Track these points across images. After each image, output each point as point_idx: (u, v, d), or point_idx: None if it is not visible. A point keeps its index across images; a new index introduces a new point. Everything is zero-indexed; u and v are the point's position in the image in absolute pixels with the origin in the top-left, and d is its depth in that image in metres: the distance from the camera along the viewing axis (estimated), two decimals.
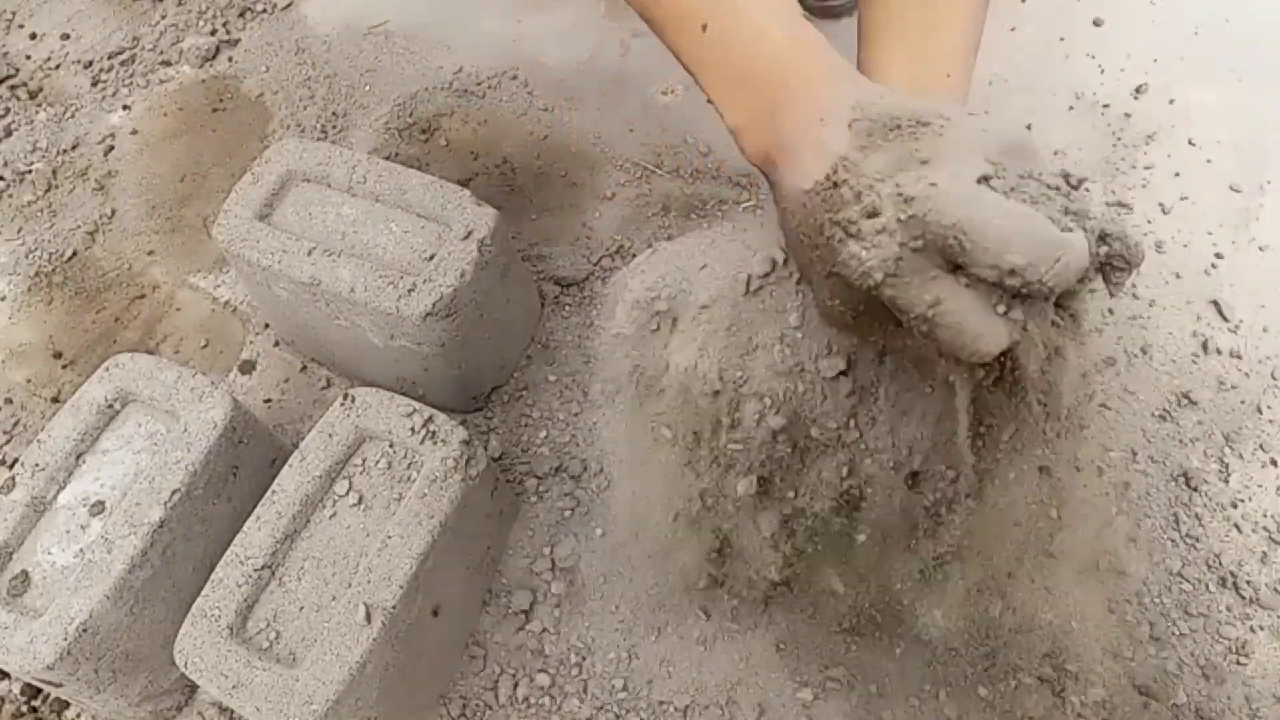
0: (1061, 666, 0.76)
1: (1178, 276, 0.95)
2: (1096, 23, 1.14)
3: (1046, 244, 0.41)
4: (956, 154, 0.44)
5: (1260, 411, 0.88)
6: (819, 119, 0.49)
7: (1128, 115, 1.07)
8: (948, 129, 0.45)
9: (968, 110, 0.56)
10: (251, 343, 0.98)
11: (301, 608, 0.68)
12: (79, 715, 0.79)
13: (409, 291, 0.78)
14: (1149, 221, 0.99)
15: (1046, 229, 0.41)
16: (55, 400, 0.96)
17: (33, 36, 1.25)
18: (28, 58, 1.23)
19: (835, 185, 0.46)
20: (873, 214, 0.43)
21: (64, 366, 0.98)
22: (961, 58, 0.59)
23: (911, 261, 0.42)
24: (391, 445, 0.74)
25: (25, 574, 0.70)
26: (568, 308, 0.97)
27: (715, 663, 0.78)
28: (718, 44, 0.54)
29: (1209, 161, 1.03)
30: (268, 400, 0.94)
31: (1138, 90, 1.08)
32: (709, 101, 0.55)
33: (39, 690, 0.80)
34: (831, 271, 0.46)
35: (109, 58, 1.21)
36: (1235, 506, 0.83)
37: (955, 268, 0.43)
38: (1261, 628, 0.78)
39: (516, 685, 0.77)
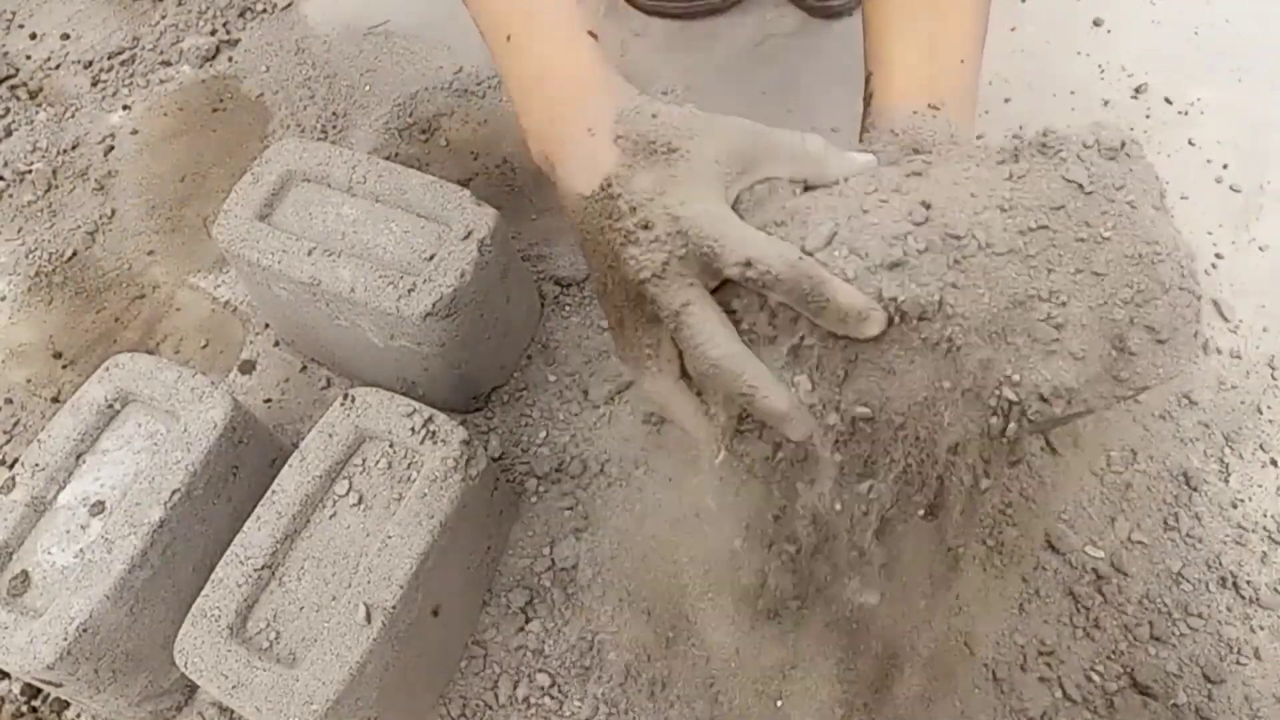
0: None
1: None
2: (1096, 23, 1.14)
3: (780, 253, 0.48)
4: (703, 180, 0.51)
5: (1260, 411, 0.88)
6: (588, 129, 0.54)
7: (1128, 115, 1.07)
8: (692, 154, 0.51)
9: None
10: (251, 343, 0.98)
11: (301, 608, 0.68)
12: (79, 715, 0.79)
13: (409, 291, 0.78)
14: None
15: (779, 245, 0.49)
16: (55, 400, 0.96)
17: (33, 36, 1.25)
18: (28, 58, 1.23)
19: (610, 197, 0.52)
20: (647, 226, 0.50)
21: (64, 366, 0.99)
22: (972, 44, 0.60)
23: (676, 266, 0.50)
24: (391, 445, 0.74)
25: (25, 574, 0.70)
26: (568, 308, 0.97)
27: (716, 662, 0.78)
28: (516, 53, 0.59)
29: (1209, 161, 1.03)
30: (268, 400, 0.94)
31: (1137, 90, 1.08)
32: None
33: (39, 690, 0.80)
34: (611, 265, 0.53)
35: (109, 58, 1.21)
36: (1235, 507, 0.83)
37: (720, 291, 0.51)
38: (1261, 628, 0.78)
39: (516, 685, 0.78)
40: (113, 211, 1.08)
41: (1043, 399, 0.48)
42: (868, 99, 0.62)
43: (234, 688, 0.64)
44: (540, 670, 0.78)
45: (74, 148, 1.14)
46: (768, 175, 0.52)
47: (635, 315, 0.53)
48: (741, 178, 0.52)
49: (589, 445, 0.88)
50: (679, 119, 0.52)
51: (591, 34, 0.58)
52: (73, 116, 1.16)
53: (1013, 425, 0.48)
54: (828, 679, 0.76)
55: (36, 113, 1.17)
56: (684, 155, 0.51)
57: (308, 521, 0.71)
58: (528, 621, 0.80)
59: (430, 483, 0.71)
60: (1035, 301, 0.48)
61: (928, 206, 0.49)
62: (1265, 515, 0.82)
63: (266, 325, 0.98)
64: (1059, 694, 0.76)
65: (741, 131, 0.52)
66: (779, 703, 0.76)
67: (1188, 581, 0.80)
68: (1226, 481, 0.84)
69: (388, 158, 1.01)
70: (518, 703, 0.77)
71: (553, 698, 0.77)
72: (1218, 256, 0.96)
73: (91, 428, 0.75)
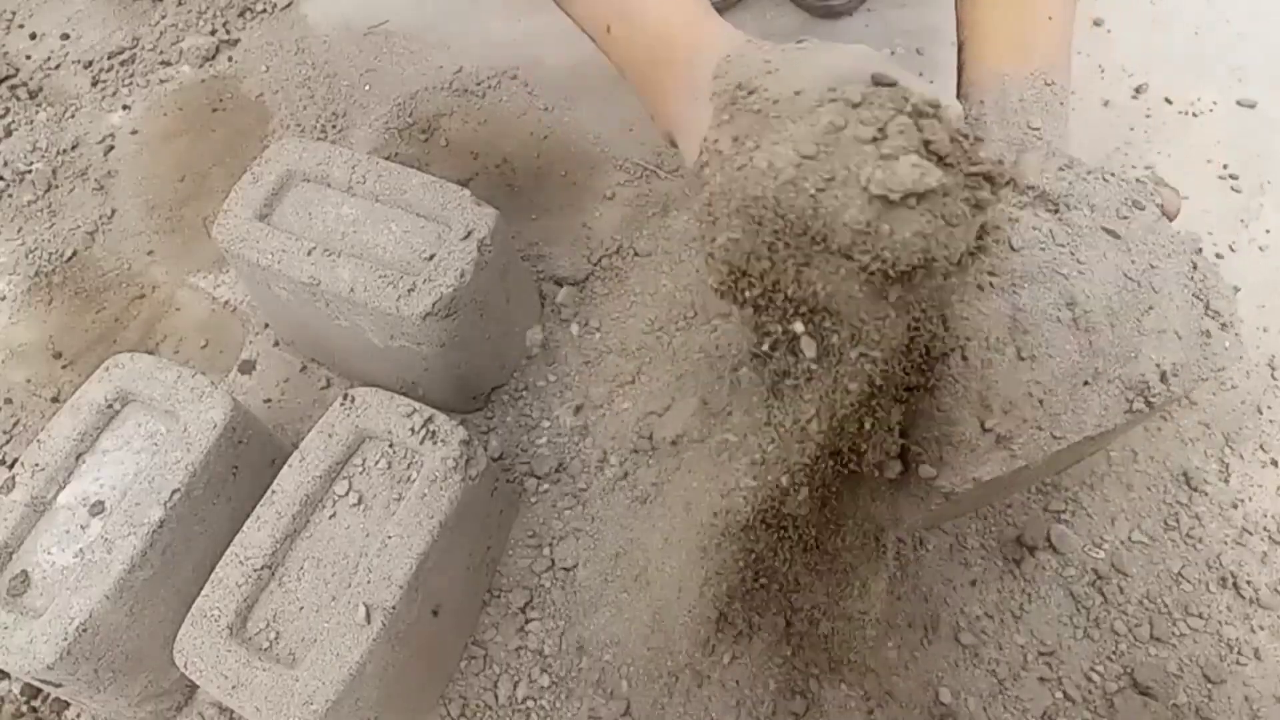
0: None
1: None
2: (1097, 23, 1.14)
3: (840, 208, 0.43)
4: (779, 130, 0.45)
5: (1260, 411, 0.87)
6: (693, 96, 0.51)
7: (1128, 115, 1.07)
8: (770, 90, 0.46)
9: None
10: (251, 343, 0.98)
11: (301, 608, 0.68)
12: (79, 715, 0.79)
13: (409, 291, 0.78)
14: None
15: (840, 201, 0.43)
16: (55, 400, 0.96)
17: (33, 36, 1.25)
18: (28, 58, 1.23)
19: (704, 164, 0.49)
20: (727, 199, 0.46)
21: (64, 366, 0.98)
22: (1059, 2, 0.60)
23: (767, 239, 0.46)
24: (391, 445, 0.74)
25: (25, 574, 0.70)
26: (569, 308, 0.97)
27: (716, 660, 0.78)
28: (620, 42, 0.57)
29: (1209, 162, 1.03)
30: (267, 400, 0.94)
31: (1138, 90, 1.08)
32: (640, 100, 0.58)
33: (39, 690, 0.80)
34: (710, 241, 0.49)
35: (109, 58, 1.21)
36: (1235, 507, 0.83)
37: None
38: (1262, 628, 0.78)
39: (516, 685, 0.77)
40: (112, 211, 1.08)
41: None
42: (960, 68, 0.62)
43: (234, 688, 0.64)
44: (540, 670, 0.78)
45: (74, 148, 1.14)
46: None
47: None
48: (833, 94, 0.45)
49: (589, 445, 0.88)
50: (773, 56, 0.48)
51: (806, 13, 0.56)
52: (72, 116, 1.16)
53: None
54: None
55: (36, 113, 1.17)
56: (762, 93, 0.47)
57: (307, 522, 0.71)
58: (528, 622, 0.80)
59: (430, 483, 0.70)
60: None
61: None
62: (1265, 515, 0.82)
63: (266, 325, 0.98)
64: (1059, 694, 0.76)
65: (848, 60, 0.46)
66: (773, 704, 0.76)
67: (1188, 581, 0.80)
68: (1227, 482, 0.84)
69: (387, 157, 1.01)
70: (517, 703, 0.77)
71: (552, 698, 0.77)
72: (1218, 256, 0.96)
73: (91, 428, 0.75)
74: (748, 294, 0.49)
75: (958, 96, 0.61)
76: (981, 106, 0.58)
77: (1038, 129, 0.59)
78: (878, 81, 0.45)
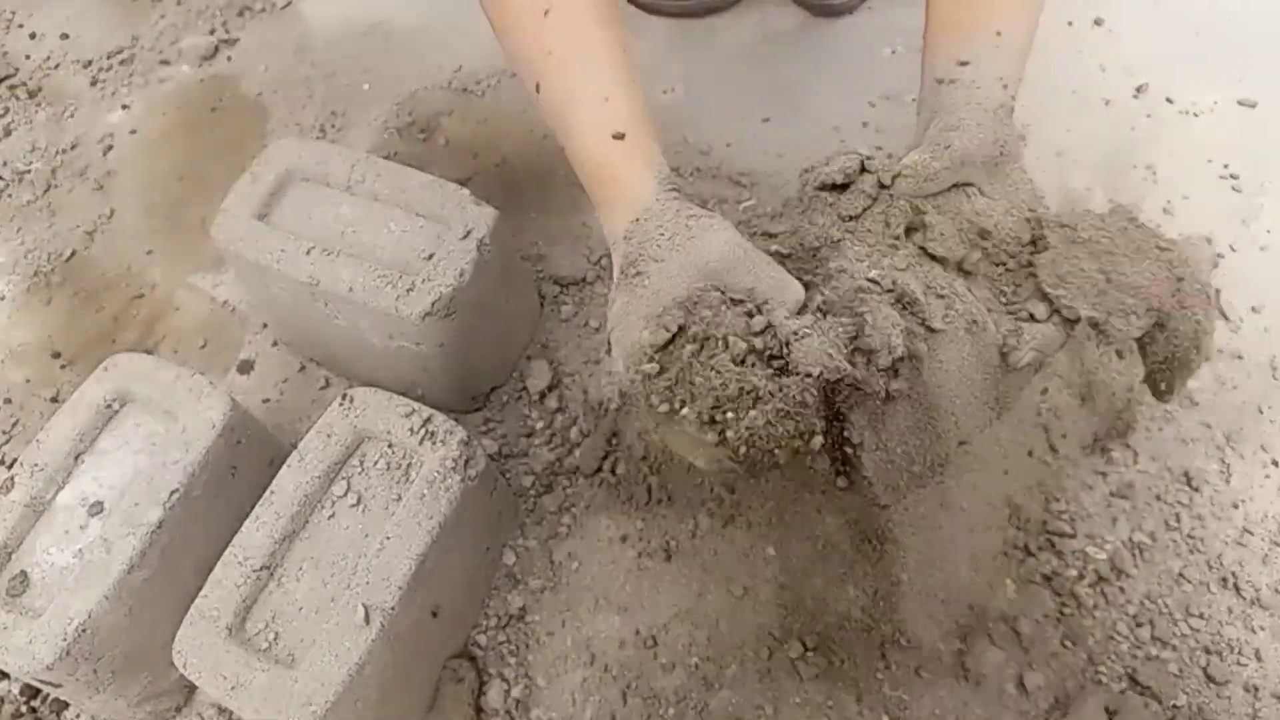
0: None
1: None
2: (1098, 22, 1.14)
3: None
4: (650, 301, 0.54)
5: (1261, 411, 0.87)
6: (613, 242, 0.59)
7: (1129, 115, 1.06)
8: (652, 277, 0.55)
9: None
10: (250, 342, 0.98)
11: (300, 608, 0.68)
12: (78, 715, 0.79)
13: (408, 291, 0.78)
14: (1150, 221, 0.99)
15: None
16: (54, 400, 0.96)
17: (32, 36, 1.25)
18: (27, 57, 1.23)
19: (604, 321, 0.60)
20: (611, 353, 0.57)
21: (63, 366, 0.98)
22: (1011, 16, 0.61)
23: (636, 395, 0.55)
24: (390, 445, 0.74)
25: (24, 574, 0.70)
26: (567, 308, 0.97)
27: (720, 656, 0.77)
28: (570, 158, 0.62)
29: (1210, 161, 1.03)
30: (266, 400, 0.94)
31: (1139, 90, 1.08)
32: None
33: (38, 690, 0.80)
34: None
35: (108, 57, 1.21)
36: (1236, 507, 0.83)
37: None
38: (1262, 628, 0.78)
39: (514, 686, 0.77)
40: (111, 211, 1.08)
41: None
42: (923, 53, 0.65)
43: (233, 688, 0.64)
44: (540, 671, 0.78)
45: (73, 147, 1.14)
46: (728, 289, 0.55)
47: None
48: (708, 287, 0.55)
49: (588, 444, 0.88)
50: (667, 233, 0.55)
51: (618, 136, 0.59)
52: (72, 116, 1.16)
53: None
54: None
55: (36, 112, 1.17)
56: (645, 279, 0.54)
57: (306, 522, 0.71)
58: (526, 622, 0.80)
59: (429, 483, 0.70)
60: None
61: None
62: (1266, 516, 0.82)
63: (265, 325, 0.98)
64: (1060, 694, 0.76)
65: (716, 253, 0.55)
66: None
67: (1189, 582, 0.80)
68: (1228, 482, 0.84)
69: (387, 157, 1.01)
70: (517, 703, 0.77)
71: (551, 698, 0.77)
72: (1219, 256, 0.96)
73: (90, 428, 0.75)
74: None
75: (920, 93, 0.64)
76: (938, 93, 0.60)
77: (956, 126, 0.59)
78: (729, 289, 0.54)
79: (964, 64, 0.59)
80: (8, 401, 0.96)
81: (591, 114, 0.59)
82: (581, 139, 0.60)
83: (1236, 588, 0.79)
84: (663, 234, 0.56)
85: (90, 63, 1.21)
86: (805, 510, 0.81)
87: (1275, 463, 0.85)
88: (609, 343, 0.57)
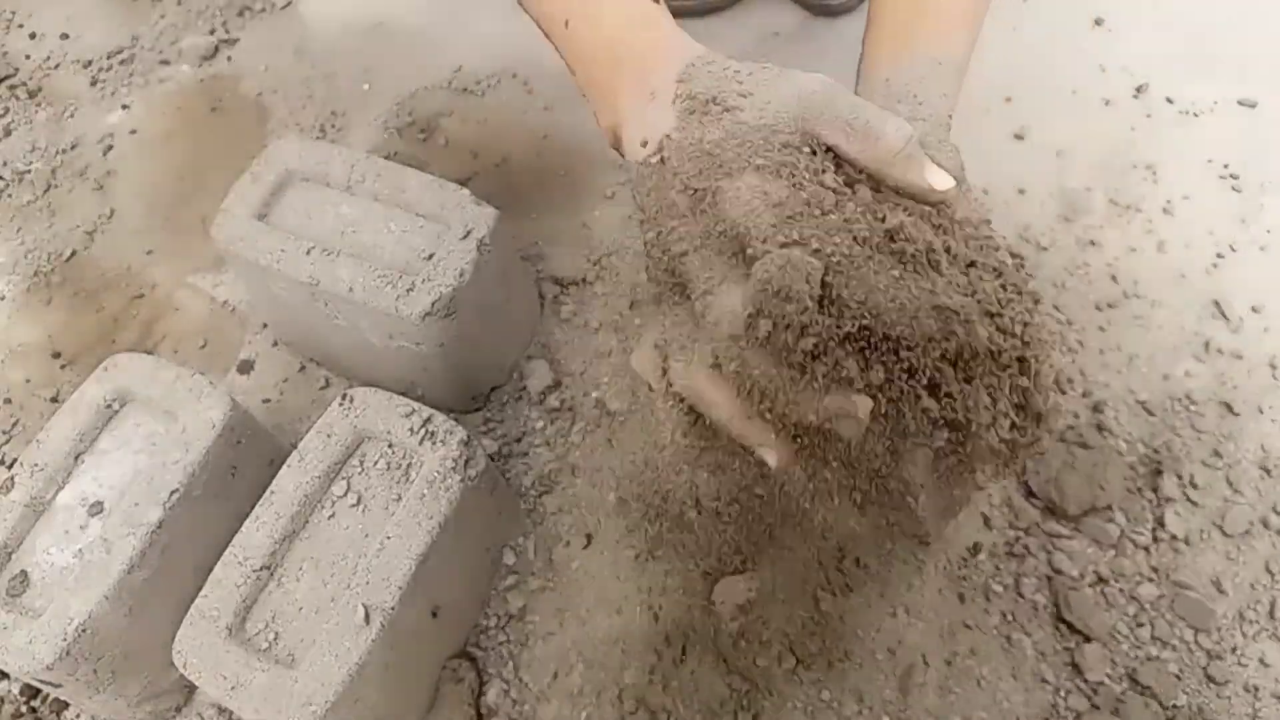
0: None
1: (1181, 276, 0.95)
2: (1098, 22, 1.14)
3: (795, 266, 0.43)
4: (747, 151, 0.47)
5: (1261, 411, 0.87)
6: (649, 94, 0.52)
7: (1129, 115, 1.07)
8: (746, 114, 0.48)
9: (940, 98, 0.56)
10: (250, 343, 0.98)
11: (300, 608, 0.68)
12: (78, 715, 0.79)
13: (408, 291, 0.78)
14: (1150, 221, 0.99)
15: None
16: (54, 400, 0.96)
17: (32, 36, 1.25)
18: (27, 57, 1.23)
19: (662, 162, 0.49)
20: (691, 192, 0.47)
21: (63, 366, 0.98)
22: (951, 43, 0.58)
23: (713, 244, 0.47)
24: (390, 445, 0.74)
25: (24, 574, 0.70)
26: (567, 308, 0.97)
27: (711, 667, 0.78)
28: (576, 37, 0.57)
29: (1210, 161, 1.03)
30: (266, 400, 0.94)
31: (1139, 90, 1.08)
32: (582, 95, 0.58)
33: (38, 690, 0.80)
34: (655, 237, 0.51)
35: (108, 57, 1.21)
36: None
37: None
38: (1263, 630, 0.78)
39: (514, 687, 0.77)
40: (111, 211, 1.08)
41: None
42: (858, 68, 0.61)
43: (233, 688, 0.64)
44: (539, 671, 0.78)
45: (73, 147, 1.14)
46: (828, 144, 0.48)
47: (674, 296, 0.51)
48: (798, 139, 0.48)
49: (588, 445, 0.88)
50: (741, 75, 0.49)
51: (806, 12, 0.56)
52: (72, 116, 1.16)
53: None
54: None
55: (36, 112, 1.17)
56: (737, 115, 0.48)
57: (306, 522, 0.71)
58: (526, 622, 0.80)
59: (429, 483, 0.70)
60: None
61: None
62: (1266, 516, 0.82)
63: (265, 325, 0.98)
64: (1060, 694, 0.76)
65: (810, 91, 0.48)
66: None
67: (1190, 583, 0.80)
68: (1228, 482, 0.84)
69: (387, 157, 1.01)
70: (516, 703, 0.77)
71: (551, 699, 0.77)
72: (1218, 256, 0.96)
73: (90, 428, 0.75)
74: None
75: (855, 90, 0.60)
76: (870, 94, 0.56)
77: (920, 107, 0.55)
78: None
79: (906, 87, 0.56)
80: (8, 401, 0.96)
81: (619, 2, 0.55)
82: (606, 7, 0.55)
83: (1237, 588, 0.79)
84: (737, 73, 0.49)
85: (90, 63, 1.21)
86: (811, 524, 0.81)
87: (1276, 463, 0.85)
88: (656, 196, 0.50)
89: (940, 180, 0.47)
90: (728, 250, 0.47)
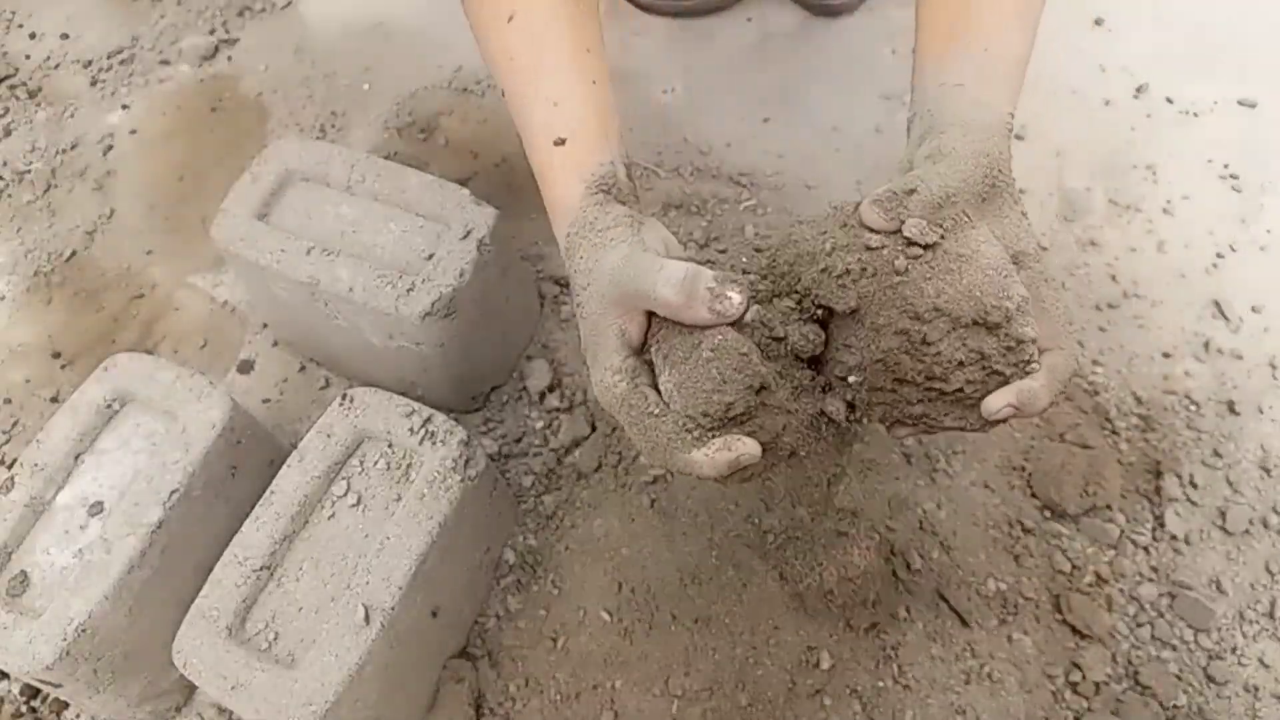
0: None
1: (1181, 276, 0.95)
2: (1098, 22, 1.14)
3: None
4: (603, 351, 0.56)
5: (1261, 411, 0.87)
6: (554, 228, 0.60)
7: (1129, 115, 1.06)
8: (588, 308, 0.56)
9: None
10: (250, 342, 0.98)
11: (300, 608, 0.68)
12: (78, 715, 0.79)
13: (408, 291, 0.78)
14: (1150, 221, 0.99)
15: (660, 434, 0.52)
16: (54, 400, 0.96)
17: (32, 36, 1.25)
18: (27, 57, 1.23)
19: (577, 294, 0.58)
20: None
21: (63, 366, 0.98)
22: (1003, 36, 0.58)
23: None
24: (390, 445, 0.74)
25: (24, 574, 0.70)
26: (567, 308, 0.96)
27: (716, 657, 0.77)
28: (514, 115, 0.62)
29: (1210, 161, 1.03)
30: (266, 400, 0.94)
31: (1139, 90, 1.08)
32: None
33: (38, 690, 0.80)
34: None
35: (108, 57, 1.21)
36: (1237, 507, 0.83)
37: None
38: (1263, 630, 0.78)
39: (513, 686, 0.77)
40: (111, 211, 1.08)
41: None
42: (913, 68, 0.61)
43: (233, 688, 0.64)
44: (539, 671, 0.78)
45: (73, 147, 1.13)
46: (646, 309, 0.54)
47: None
48: (632, 319, 0.54)
49: (588, 445, 0.88)
50: (579, 265, 0.56)
51: (559, 142, 0.59)
52: (72, 116, 1.16)
53: None
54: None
55: (36, 112, 1.17)
56: (582, 308, 0.56)
57: (306, 522, 0.71)
58: (526, 622, 0.80)
59: (429, 483, 0.70)
60: None
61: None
62: (1266, 516, 0.82)
63: (265, 325, 0.98)
64: (1061, 693, 0.76)
65: (611, 278, 0.53)
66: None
67: (1190, 583, 0.80)
68: (1228, 482, 0.84)
69: (387, 157, 1.01)
70: (516, 703, 0.77)
71: (551, 698, 0.77)
72: (1219, 256, 0.96)
73: (90, 428, 0.75)
74: None
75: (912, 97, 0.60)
76: (926, 109, 0.56)
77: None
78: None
79: (959, 85, 0.56)
80: (8, 401, 0.96)
81: (540, 118, 0.59)
82: (530, 145, 0.60)
83: (1237, 589, 0.79)
84: (581, 257, 0.56)
85: (90, 63, 1.21)
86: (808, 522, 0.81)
87: (1276, 463, 0.85)
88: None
89: (725, 304, 0.50)
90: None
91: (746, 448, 0.50)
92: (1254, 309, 0.93)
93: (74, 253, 1.06)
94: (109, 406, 0.76)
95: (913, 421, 0.53)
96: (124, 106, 1.17)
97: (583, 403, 0.90)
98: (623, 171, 0.59)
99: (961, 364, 0.50)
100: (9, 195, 1.10)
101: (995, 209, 0.52)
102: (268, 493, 0.71)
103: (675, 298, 0.50)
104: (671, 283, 0.50)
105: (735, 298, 0.50)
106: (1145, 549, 0.81)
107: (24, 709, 0.80)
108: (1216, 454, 0.85)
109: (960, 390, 0.50)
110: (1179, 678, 0.76)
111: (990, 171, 0.52)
